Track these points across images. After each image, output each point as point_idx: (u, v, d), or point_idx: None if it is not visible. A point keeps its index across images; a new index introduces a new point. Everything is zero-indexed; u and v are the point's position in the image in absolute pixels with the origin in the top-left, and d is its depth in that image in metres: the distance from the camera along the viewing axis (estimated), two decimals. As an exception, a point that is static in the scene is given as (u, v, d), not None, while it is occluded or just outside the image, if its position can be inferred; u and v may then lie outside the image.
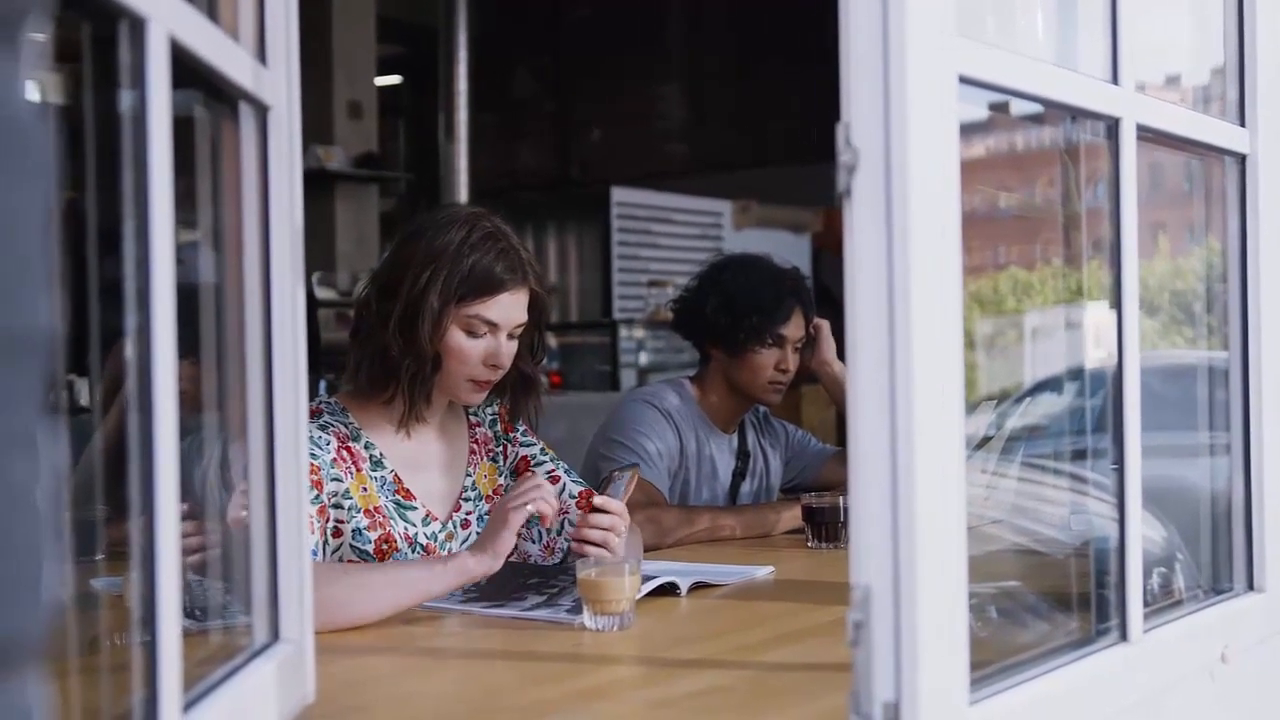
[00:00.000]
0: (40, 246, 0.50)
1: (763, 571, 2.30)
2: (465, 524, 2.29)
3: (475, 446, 2.35)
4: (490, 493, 2.33)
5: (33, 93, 0.52)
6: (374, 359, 2.17)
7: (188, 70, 1.08)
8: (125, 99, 0.99)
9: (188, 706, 1.06)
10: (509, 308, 2.17)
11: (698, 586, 2.13)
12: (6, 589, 0.50)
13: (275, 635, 1.34)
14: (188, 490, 1.06)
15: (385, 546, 2.15)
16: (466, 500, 2.31)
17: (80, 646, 1.17)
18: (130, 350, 0.99)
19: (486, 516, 2.28)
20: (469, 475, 2.32)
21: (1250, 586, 1.77)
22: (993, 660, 1.31)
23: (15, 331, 0.48)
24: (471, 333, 2.16)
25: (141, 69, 0.98)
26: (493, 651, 1.76)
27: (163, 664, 0.99)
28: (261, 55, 1.32)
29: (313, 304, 4.35)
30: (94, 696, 1.12)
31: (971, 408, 1.25)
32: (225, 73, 1.19)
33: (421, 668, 1.70)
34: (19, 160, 0.50)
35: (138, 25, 0.97)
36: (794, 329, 2.95)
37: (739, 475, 3.08)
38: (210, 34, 1.14)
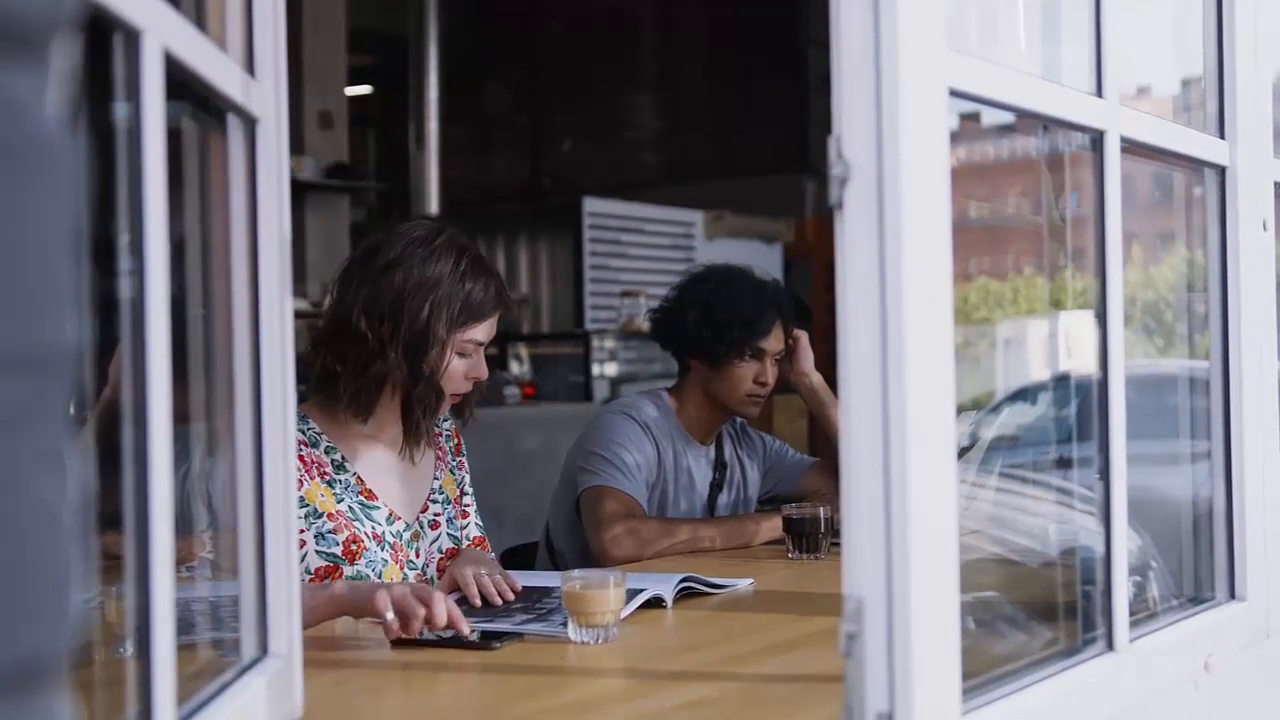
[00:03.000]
0: (70, 263, 0.50)
1: (744, 583, 2.30)
2: (434, 524, 2.35)
3: (440, 453, 2.42)
4: (453, 499, 2.41)
5: (60, 109, 0.52)
6: (374, 385, 2.22)
7: (176, 82, 1.08)
8: (119, 110, 0.99)
9: (180, 722, 1.05)
10: (493, 326, 2.30)
11: (684, 594, 2.14)
12: (36, 608, 0.49)
13: (264, 650, 1.33)
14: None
15: (354, 547, 2.20)
16: (435, 502, 2.37)
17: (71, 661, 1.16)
18: (124, 362, 0.98)
19: (453, 520, 2.38)
20: (436, 479, 2.39)
21: (1232, 595, 1.78)
22: (983, 670, 1.31)
23: (45, 348, 0.48)
24: (463, 354, 2.26)
25: (136, 81, 0.97)
26: (479, 665, 1.75)
27: (157, 679, 0.98)
28: (250, 67, 1.32)
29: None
30: (85, 712, 1.11)
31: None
32: (216, 85, 1.18)
33: (408, 682, 1.70)
34: (51, 177, 0.49)
35: (132, 37, 0.97)
36: (774, 342, 2.95)
37: (716, 487, 3.07)
38: (202, 46, 1.13)
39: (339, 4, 7.80)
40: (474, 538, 2.43)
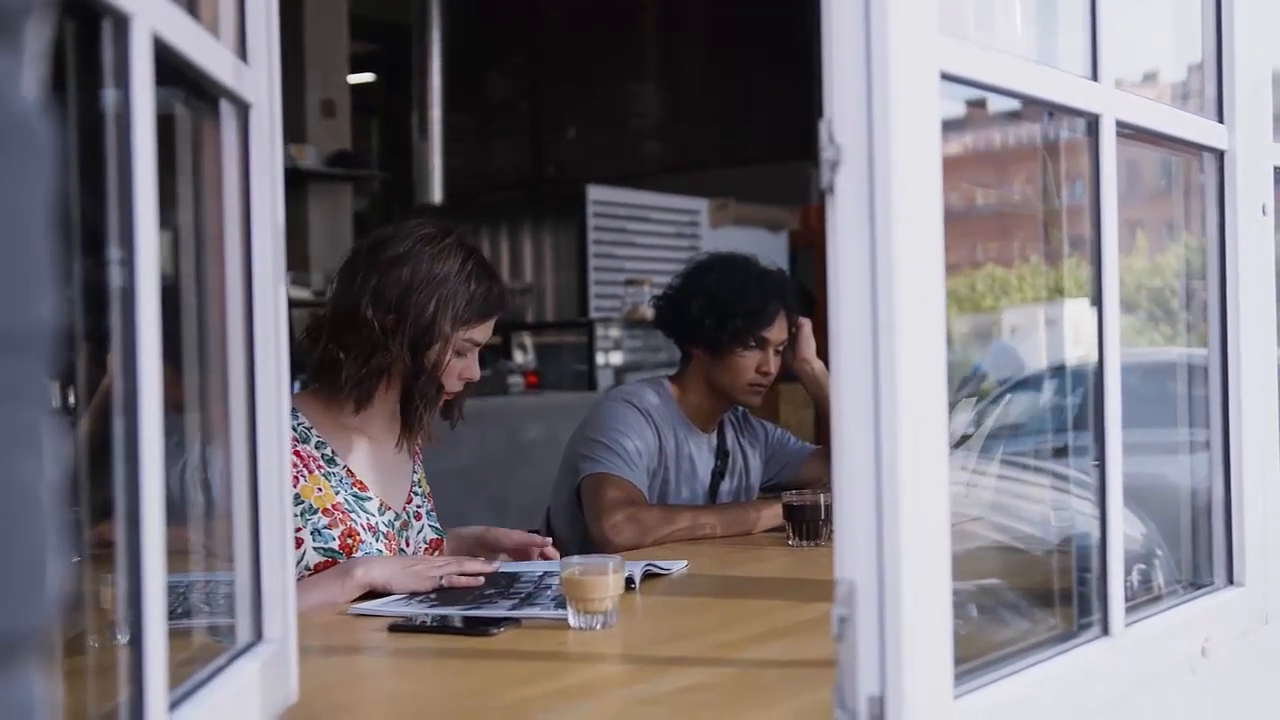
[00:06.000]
0: (45, 243, 0.51)
1: (679, 565, 2.33)
2: (418, 515, 2.40)
3: (417, 450, 2.46)
4: (427, 493, 2.46)
5: (35, 90, 0.52)
6: (375, 375, 2.24)
7: (168, 68, 1.08)
8: (108, 97, 0.98)
9: (173, 706, 1.06)
10: (490, 329, 2.33)
11: (649, 576, 2.19)
12: (13, 584, 0.50)
13: (259, 635, 1.34)
14: (165, 491, 1.06)
15: (350, 541, 2.22)
16: (416, 494, 2.41)
17: (59, 647, 1.16)
18: (115, 352, 0.98)
19: (432, 513, 2.43)
20: (415, 473, 2.43)
21: (1230, 581, 1.78)
22: (977, 655, 1.31)
23: (22, 327, 0.48)
24: (460, 353, 2.28)
25: (125, 67, 0.97)
26: (476, 651, 1.75)
27: (149, 664, 0.98)
28: (242, 52, 1.32)
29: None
30: (77, 698, 1.11)
31: (950, 405, 1.25)
32: (207, 70, 1.18)
33: (404, 668, 1.70)
34: (26, 157, 0.50)
35: (121, 22, 0.97)
36: (777, 332, 2.95)
37: (718, 474, 3.07)
38: (193, 31, 1.13)
39: (341, -8, 7.80)
40: (430, 539, 2.43)
